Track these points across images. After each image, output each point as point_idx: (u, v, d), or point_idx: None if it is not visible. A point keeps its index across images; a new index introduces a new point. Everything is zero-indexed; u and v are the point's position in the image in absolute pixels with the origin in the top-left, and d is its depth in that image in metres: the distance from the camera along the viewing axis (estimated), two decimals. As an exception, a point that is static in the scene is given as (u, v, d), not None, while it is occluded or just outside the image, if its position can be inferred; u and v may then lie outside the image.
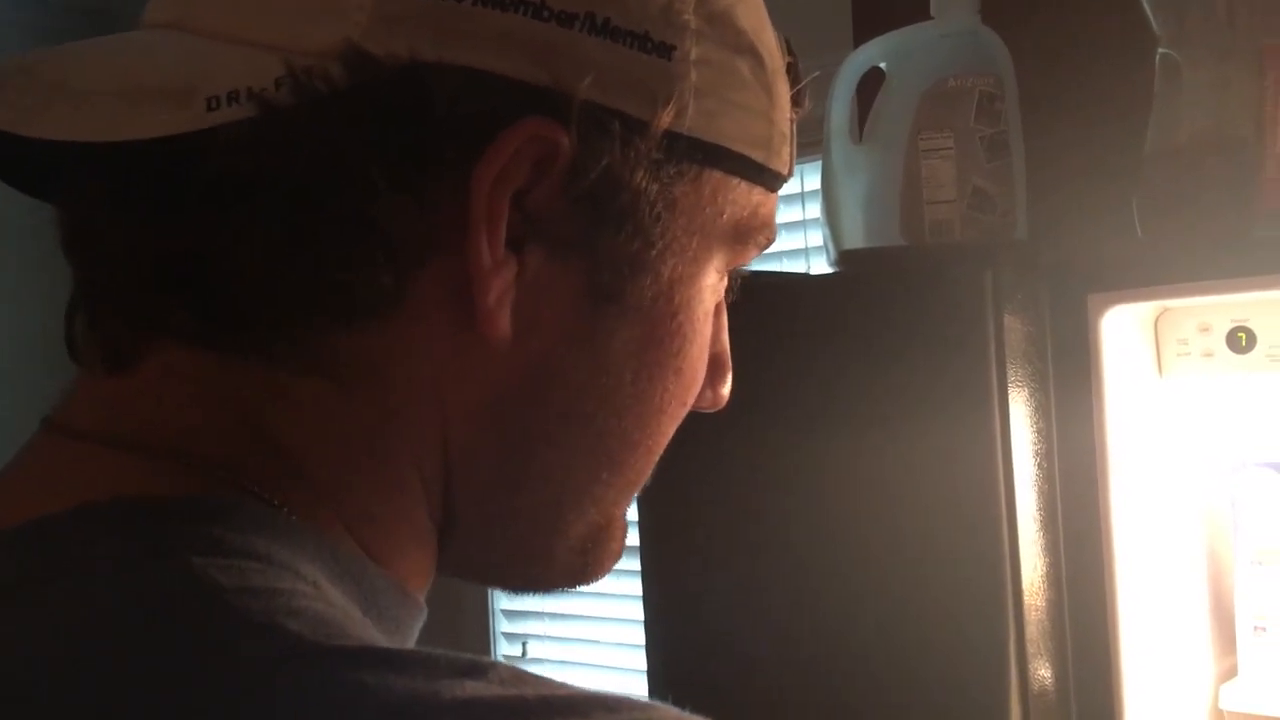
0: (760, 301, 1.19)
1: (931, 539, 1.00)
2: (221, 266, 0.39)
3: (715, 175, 0.44)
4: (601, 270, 0.42)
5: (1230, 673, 1.11)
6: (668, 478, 1.24)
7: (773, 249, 2.00)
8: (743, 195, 0.45)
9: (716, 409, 0.51)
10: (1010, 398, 0.98)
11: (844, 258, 1.17)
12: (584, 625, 2.17)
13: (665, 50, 0.42)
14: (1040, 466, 1.00)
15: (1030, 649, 0.98)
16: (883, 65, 1.18)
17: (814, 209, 1.88)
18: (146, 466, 0.38)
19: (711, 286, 0.47)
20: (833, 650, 1.06)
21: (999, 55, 1.13)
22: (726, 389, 0.51)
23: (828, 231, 1.21)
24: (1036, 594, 0.99)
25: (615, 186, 0.41)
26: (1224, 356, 1.00)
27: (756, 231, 0.47)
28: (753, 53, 0.45)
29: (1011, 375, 0.98)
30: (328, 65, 0.37)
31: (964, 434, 0.99)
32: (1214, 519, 1.12)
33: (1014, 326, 0.99)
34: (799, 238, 1.90)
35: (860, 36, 1.54)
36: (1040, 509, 1.00)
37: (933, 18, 1.16)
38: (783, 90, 0.47)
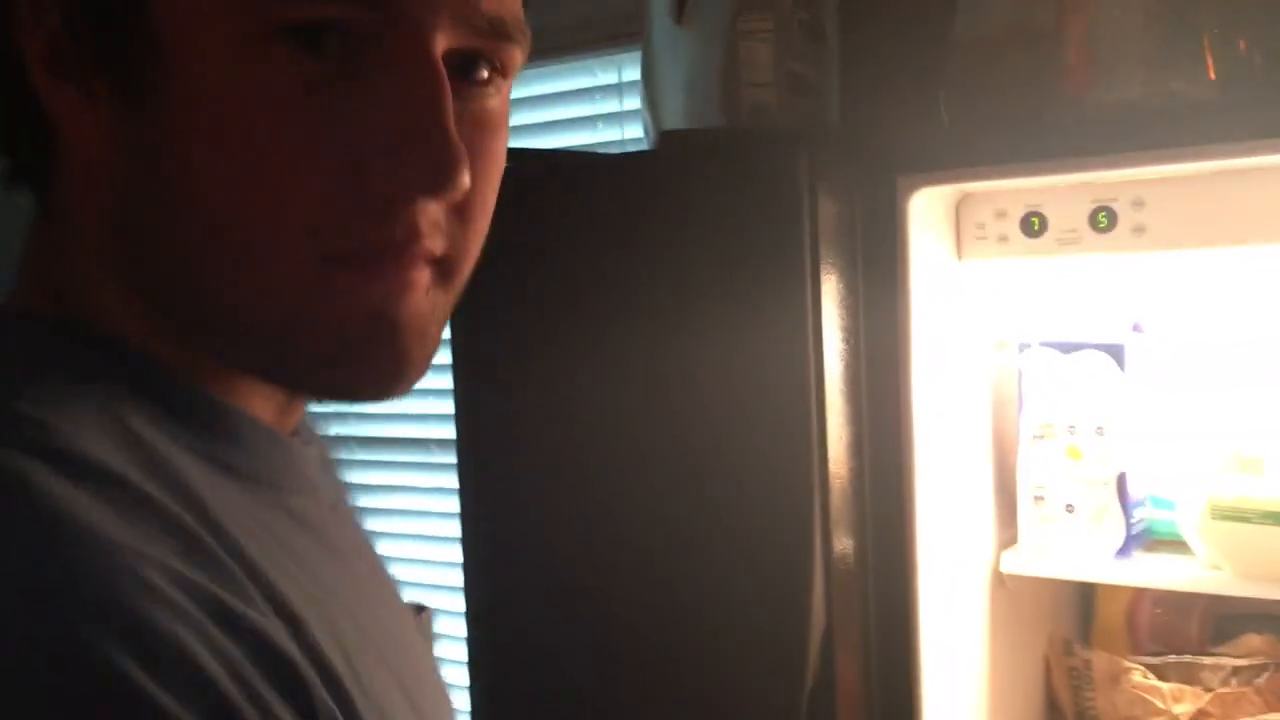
0: (577, 181, 1.19)
1: (743, 413, 1.03)
2: None
3: None
4: None
5: (1012, 541, 1.19)
6: (479, 363, 1.23)
7: (592, 141, 1.97)
8: None
9: None
10: (821, 276, 1.01)
11: (663, 139, 1.17)
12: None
13: None
14: (847, 342, 1.04)
15: (834, 517, 1.02)
16: (704, -55, 1.17)
17: (632, 102, 1.87)
18: None
19: None
20: (645, 526, 1.08)
21: (818, -60, 1.14)
22: None
23: (648, 113, 1.21)
24: (841, 465, 1.03)
25: None
26: (1018, 240, 1.06)
27: None
28: None
29: (823, 255, 1.01)
30: None
31: (777, 311, 1.01)
32: (1002, 396, 1.19)
33: (826, 207, 1.01)
34: (616, 131, 1.89)
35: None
36: (846, 383, 1.04)
37: (755, -101, 1.16)
38: None
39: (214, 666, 0.38)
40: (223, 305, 0.48)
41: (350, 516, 0.62)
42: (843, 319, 1.03)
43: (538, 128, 1.96)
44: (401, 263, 0.48)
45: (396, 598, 0.63)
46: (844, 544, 1.04)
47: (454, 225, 0.49)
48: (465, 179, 0.46)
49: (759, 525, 1.02)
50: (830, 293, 1.02)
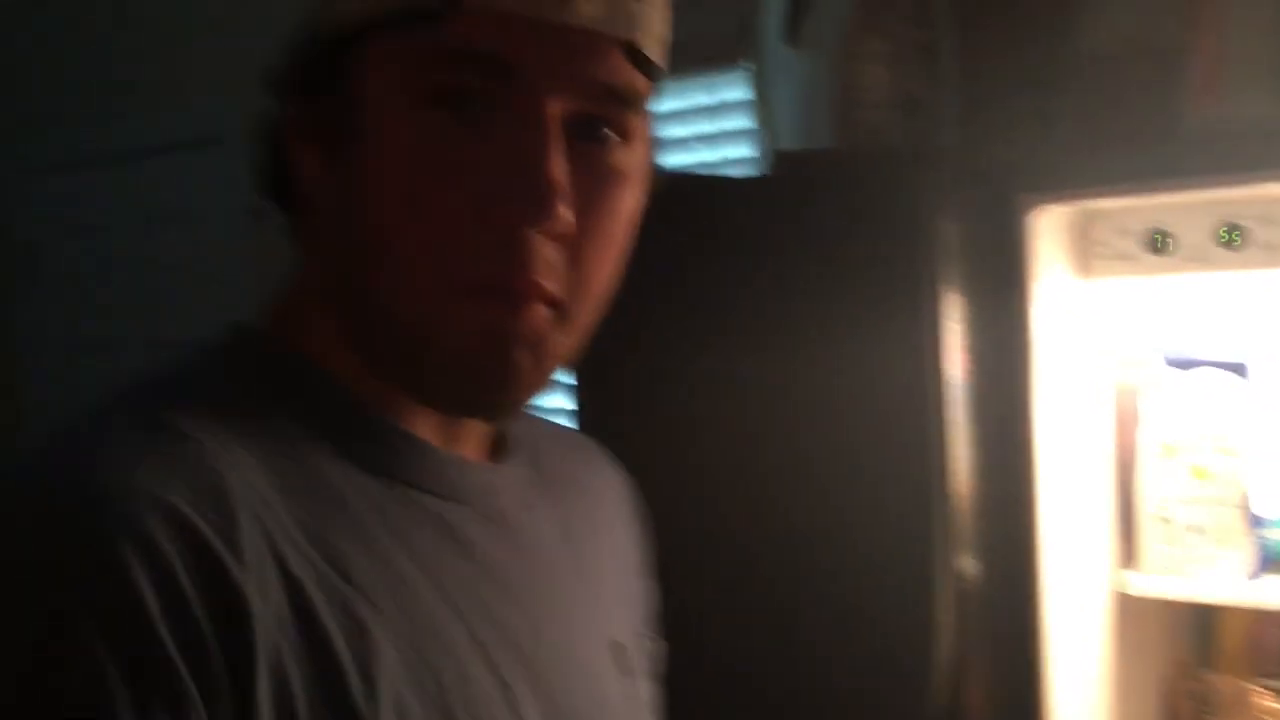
0: (691, 204, 1.20)
1: (865, 434, 1.03)
2: None
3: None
4: None
5: (1132, 561, 1.18)
6: (603, 384, 1.24)
7: (688, 163, 1.98)
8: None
9: None
10: (943, 296, 1.01)
11: (778, 159, 1.18)
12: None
13: None
14: (969, 362, 1.03)
15: (957, 537, 1.02)
16: (817, -31, 1.19)
17: (726, 123, 1.89)
18: None
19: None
20: (768, 548, 1.08)
21: (931, -39, 1.15)
22: None
23: (762, 134, 1.22)
24: (963, 485, 1.03)
25: None
26: (1142, 259, 1.05)
27: None
28: None
29: (944, 274, 1.01)
30: None
31: (899, 330, 1.01)
32: (1124, 414, 1.18)
33: (947, 227, 1.01)
34: (711, 153, 1.91)
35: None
36: (967, 403, 1.04)
37: (866, -78, 1.17)
38: None
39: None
40: (378, 324, 0.58)
41: (538, 537, 0.67)
42: (965, 338, 1.03)
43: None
44: (516, 293, 0.56)
45: (589, 626, 0.67)
46: (967, 564, 1.04)
47: (569, 270, 0.57)
48: (563, 211, 0.54)
49: (882, 546, 1.03)
50: (951, 312, 1.02)
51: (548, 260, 0.56)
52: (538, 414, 0.79)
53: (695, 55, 1.83)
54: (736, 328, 1.12)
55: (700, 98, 1.91)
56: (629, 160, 0.59)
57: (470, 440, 0.65)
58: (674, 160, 1.94)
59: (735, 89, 1.84)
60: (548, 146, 0.54)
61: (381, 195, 0.56)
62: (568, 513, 0.71)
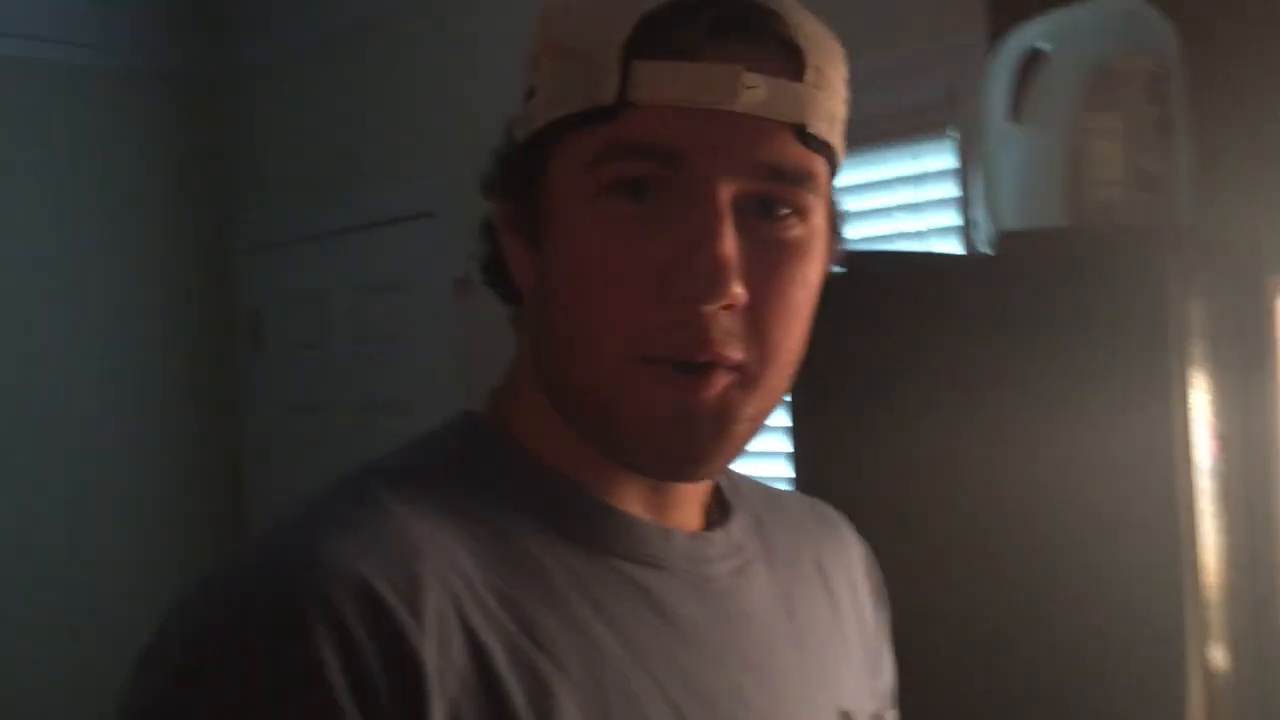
0: (911, 283, 1.21)
1: (1108, 524, 1.01)
2: None
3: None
4: None
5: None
6: (830, 463, 1.24)
7: (890, 230, 1.98)
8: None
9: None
10: (1190, 381, 0.98)
11: (1002, 239, 1.17)
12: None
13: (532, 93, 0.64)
14: (1217, 446, 1.00)
15: (1208, 631, 0.98)
16: (1043, 45, 1.18)
17: (936, 190, 1.88)
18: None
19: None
20: (1009, 635, 1.06)
21: (1165, 35, 1.13)
22: None
23: (983, 211, 1.21)
24: (1213, 573, 0.99)
25: None
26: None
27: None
28: (556, 47, 0.62)
29: (1191, 358, 0.98)
30: None
31: (1144, 417, 0.99)
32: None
33: (1194, 309, 0.99)
34: (919, 218, 1.90)
35: (998, 13, 1.53)
36: (1217, 488, 1.00)
37: (1092, -2, 1.16)
38: (594, 39, 0.60)
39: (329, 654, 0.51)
40: (569, 391, 0.62)
41: (752, 604, 0.68)
42: (1213, 421, 1.00)
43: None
44: (698, 366, 0.59)
45: (811, 693, 0.68)
46: (1219, 656, 1.00)
47: (752, 334, 0.59)
48: (734, 288, 0.57)
49: (1128, 637, 0.99)
50: (1199, 397, 0.99)
51: (726, 330, 0.58)
52: (770, 482, 0.81)
53: (902, 123, 1.84)
54: (967, 409, 1.11)
55: (905, 165, 1.91)
56: (805, 234, 0.61)
57: (681, 511, 0.67)
58: (877, 226, 1.94)
59: (941, 157, 1.84)
60: (719, 227, 0.57)
61: (570, 278, 0.60)
62: (792, 580, 0.72)
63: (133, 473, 3.13)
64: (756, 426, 0.63)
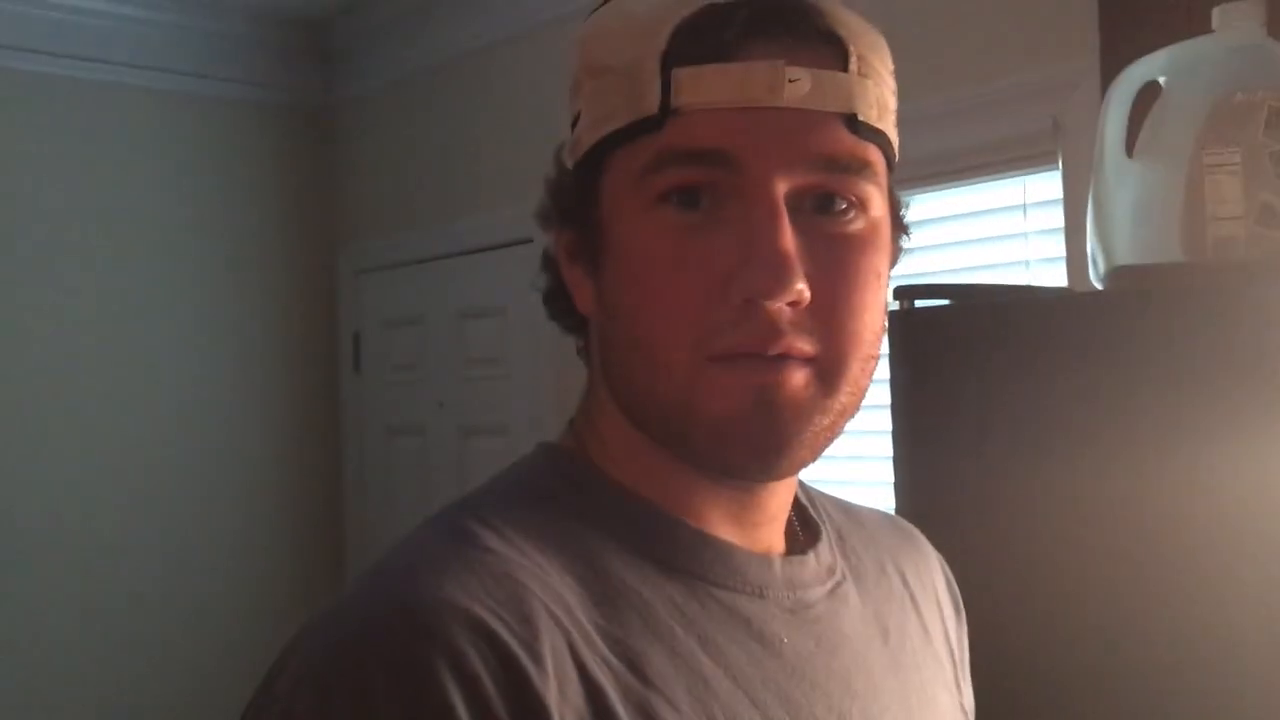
0: (1019, 318, 1.20)
1: (1222, 564, 0.99)
2: None
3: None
4: None
5: None
6: (940, 510, 1.24)
7: (993, 260, 1.97)
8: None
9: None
10: (1314, 420, 0.96)
11: (1118, 273, 1.16)
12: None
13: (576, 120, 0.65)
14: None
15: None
16: (1159, 79, 1.17)
17: (1037, 219, 1.86)
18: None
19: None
20: (1116, 680, 1.05)
21: (1288, 68, 1.11)
22: None
23: (1096, 245, 1.20)
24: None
25: None
26: None
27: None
28: (596, 68, 0.63)
29: (1316, 396, 0.96)
30: None
31: (1264, 456, 0.97)
32: None
33: (1318, 346, 0.97)
34: (1020, 247, 1.88)
35: (1109, 44, 1.52)
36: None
37: (1212, 30, 1.15)
38: (634, 53, 0.60)
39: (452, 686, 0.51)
40: (643, 402, 0.62)
41: (846, 627, 0.67)
42: (1340, 464, 0.97)
43: (937, 247, 1.98)
44: (769, 357, 0.58)
45: (908, 713, 0.67)
46: (1346, 706, 0.97)
47: (821, 329, 0.59)
48: (797, 284, 0.57)
49: (1244, 686, 0.97)
50: (1326, 437, 0.97)
51: (795, 325, 0.58)
52: (853, 502, 0.80)
53: (1007, 152, 1.83)
54: (1074, 446, 1.10)
55: (1011, 194, 1.89)
56: (866, 227, 0.61)
57: (768, 530, 0.66)
58: (983, 255, 1.93)
59: (1047, 186, 1.82)
60: (777, 223, 0.57)
61: (631, 291, 0.60)
62: (882, 598, 0.71)
63: (239, 489, 3.22)
64: (838, 423, 0.62)
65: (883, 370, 1.28)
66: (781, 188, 0.57)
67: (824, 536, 0.70)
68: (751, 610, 0.62)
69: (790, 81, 0.57)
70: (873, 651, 0.67)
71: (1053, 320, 1.16)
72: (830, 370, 0.59)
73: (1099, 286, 1.20)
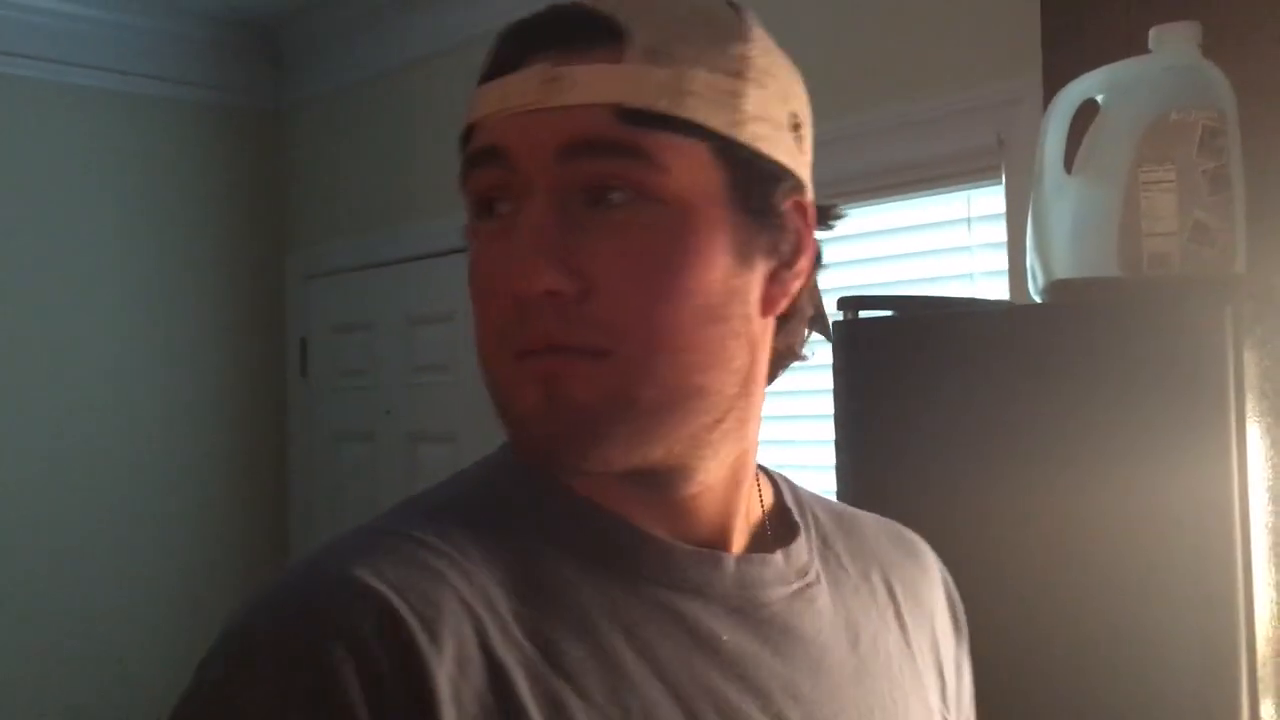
0: (960, 330, 1.21)
1: (1159, 571, 1.01)
2: None
3: None
4: None
5: None
6: (868, 508, 1.25)
7: (938, 273, 1.99)
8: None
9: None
10: (1244, 433, 0.98)
11: (1056, 287, 1.18)
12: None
13: None
14: (1274, 501, 1.00)
15: (1260, 687, 0.98)
16: (1097, 97, 1.19)
17: (981, 233, 1.88)
18: None
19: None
20: (1057, 686, 1.06)
21: (1222, 89, 1.14)
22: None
23: (1035, 259, 1.22)
24: (1268, 630, 0.99)
25: None
26: None
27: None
28: None
29: (1246, 410, 0.99)
30: None
31: (1196, 465, 0.99)
32: None
33: (1251, 361, 0.99)
34: (965, 260, 1.91)
35: (1051, 62, 1.55)
36: (1272, 544, 1.00)
37: (1149, 50, 1.17)
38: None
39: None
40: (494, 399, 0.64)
41: (805, 627, 0.67)
42: (1268, 477, 1.00)
43: (883, 260, 2.01)
44: (542, 352, 0.60)
45: (871, 715, 0.67)
46: (1270, 712, 0.99)
47: (610, 321, 0.59)
48: (542, 275, 0.58)
49: (1177, 690, 0.99)
50: (1255, 449, 0.99)
51: (565, 316, 0.59)
52: (857, 510, 0.79)
53: (952, 167, 1.86)
54: (1013, 458, 1.11)
55: (955, 208, 1.92)
56: (657, 213, 0.60)
57: (721, 532, 0.66)
58: (927, 268, 1.95)
59: (991, 201, 1.85)
60: (527, 217, 0.60)
61: (472, 302, 0.64)
62: (859, 605, 0.71)
63: (184, 490, 3.18)
64: (662, 420, 0.61)
65: (825, 380, 1.30)
66: (541, 181, 0.59)
67: (801, 538, 0.70)
68: (688, 608, 0.62)
69: (549, 81, 0.60)
70: (834, 656, 0.67)
71: (993, 332, 1.18)
72: (628, 364, 0.59)
73: (1038, 300, 1.22)
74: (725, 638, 0.62)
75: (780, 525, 0.71)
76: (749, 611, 0.64)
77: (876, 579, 0.74)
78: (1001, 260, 1.81)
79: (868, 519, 0.79)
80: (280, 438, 3.37)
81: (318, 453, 3.30)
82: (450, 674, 0.54)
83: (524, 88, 0.61)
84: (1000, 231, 1.81)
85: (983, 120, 1.80)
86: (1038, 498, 1.09)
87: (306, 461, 3.34)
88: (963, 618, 0.79)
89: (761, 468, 0.72)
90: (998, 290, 1.82)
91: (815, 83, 0.69)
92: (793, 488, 0.75)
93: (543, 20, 0.63)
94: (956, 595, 0.80)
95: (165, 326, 3.18)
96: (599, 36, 0.61)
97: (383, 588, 0.55)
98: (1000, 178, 1.80)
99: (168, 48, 3.16)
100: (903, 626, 0.73)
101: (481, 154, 0.62)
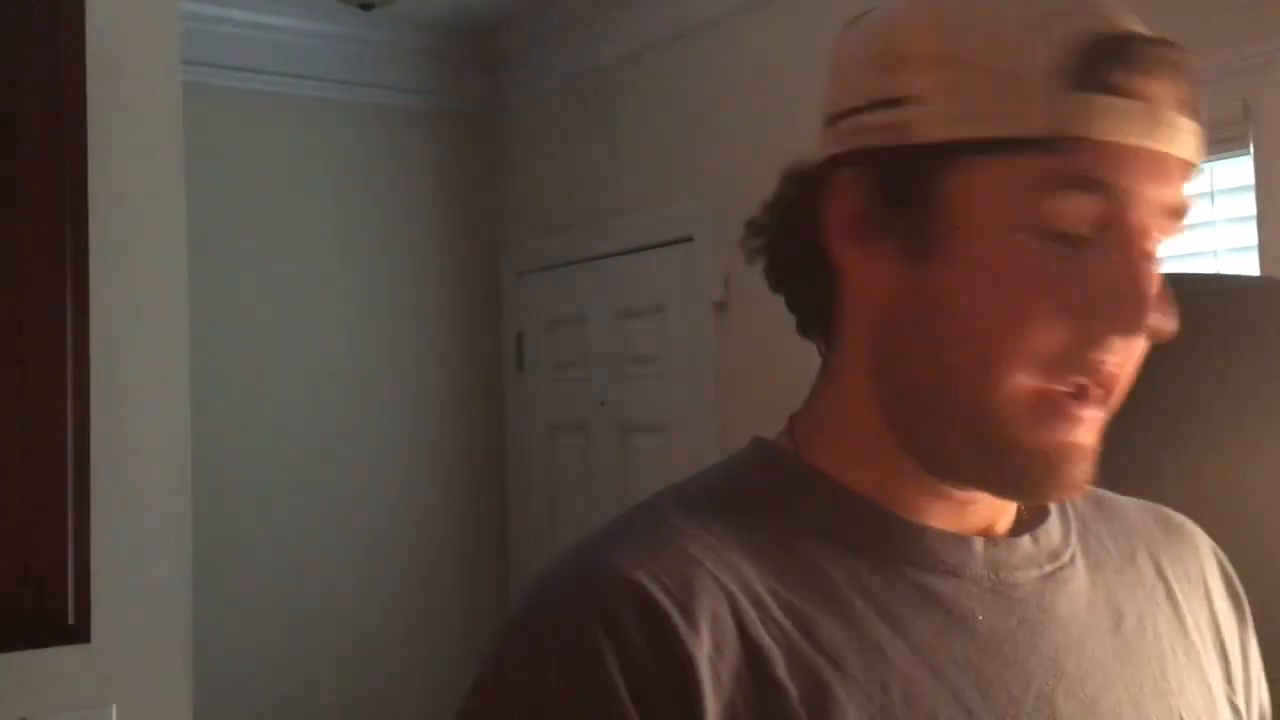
0: (1215, 308, 1.14)
1: None
2: None
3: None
4: None
5: None
6: (1113, 489, 1.19)
7: (1177, 250, 1.89)
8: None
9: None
10: None
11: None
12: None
13: None
14: None
15: None
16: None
17: (1225, 207, 1.78)
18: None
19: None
20: None
21: None
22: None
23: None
24: None
25: None
26: None
27: None
28: (953, 61, 0.62)
29: None
30: None
31: None
32: None
33: None
34: (1208, 235, 1.80)
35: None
36: None
37: None
38: None
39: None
40: (959, 421, 0.61)
41: (1062, 608, 0.66)
42: None
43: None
44: (1086, 405, 0.59)
45: (1133, 697, 0.65)
46: None
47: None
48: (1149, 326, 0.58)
49: None
50: None
51: (1112, 365, 0.60)
52: (1113, 494, 0.77)
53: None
54: (1259, 436, 1.04)
55: (1198, 182, 1.81)
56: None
57: (986, 517, 0.67)
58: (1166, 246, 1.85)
59: (1236, 172, 1.74)
60: (1151, 272, 0.58)
61: (977, 305, 0.59)
62: (1125, 587, 0.70)
63: (406, 486, 3.33)
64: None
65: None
66: (1155, 231, 0.59)
67: (1055, 521, 0.70)
68: (943, 587, 0.63)
69: (1175, 128, 0.58)
70: (1095, 636, 0.66)
71: (1253, 309, 1.10)
72: (1112, 408, 0.62)
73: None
74: (980, 616, 0.63)
75: (1031, 510, 0.70)
76: (1003, 592, 0.64)
77: (1143, 560, 0.72)
78: (1248, 235, 1.70)
79: (1128, 502, 0.77)
80: (499, 429, 3.49)
81: (533, 443, 3.40)
82: (709, 655, 0.56)
83: (1159, 128, 0.58)
84: (1247, 204, 1.70)
85: (1227, 87, 1.69)
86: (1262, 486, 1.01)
87: (523, 451, 3.44)
88: (1244, 599, 0.76)
89: None
90: (1244, 266, 1.71)
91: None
92: None
93: (1157, 46, 0.59)
94: (1234, 576, 0.76)
95: (391, 327, 3.34)
96: (1184, 83, 0.60)
97: (640, 575, 0.58)
98: (1248, 147, 1.69)
99: (387, 58, 3.32)
100: (1175, 606, 0.71)
101: (1096, 185, 0.58)
